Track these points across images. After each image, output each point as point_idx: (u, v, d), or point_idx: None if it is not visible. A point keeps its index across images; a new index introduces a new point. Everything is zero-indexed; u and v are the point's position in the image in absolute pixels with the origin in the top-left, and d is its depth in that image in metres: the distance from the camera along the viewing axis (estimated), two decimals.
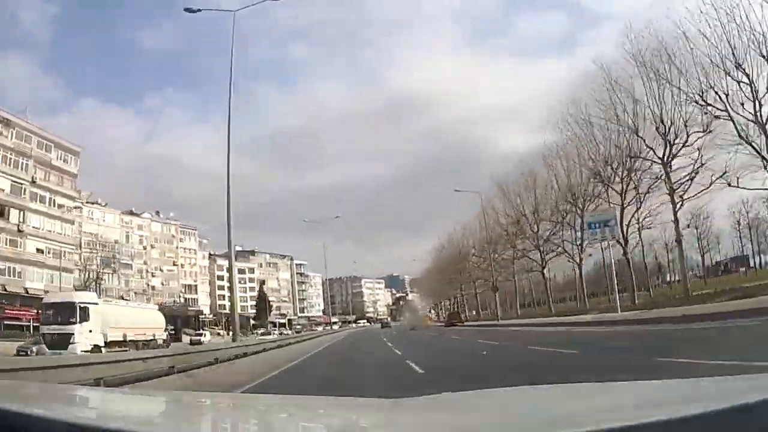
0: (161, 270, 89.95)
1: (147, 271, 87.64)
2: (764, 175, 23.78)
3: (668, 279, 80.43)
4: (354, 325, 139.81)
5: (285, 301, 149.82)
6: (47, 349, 28.71)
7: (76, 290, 48.68)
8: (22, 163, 56.85)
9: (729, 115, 23.69)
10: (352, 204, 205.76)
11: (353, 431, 1.97)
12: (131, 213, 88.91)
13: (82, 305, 31.73)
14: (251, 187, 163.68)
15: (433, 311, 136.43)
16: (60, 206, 62.32)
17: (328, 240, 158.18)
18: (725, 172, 25.06)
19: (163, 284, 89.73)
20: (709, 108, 24.50)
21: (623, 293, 34.88)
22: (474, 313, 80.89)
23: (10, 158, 55.47)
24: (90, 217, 76.07)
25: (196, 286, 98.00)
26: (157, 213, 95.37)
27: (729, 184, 25.33)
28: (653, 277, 72.60)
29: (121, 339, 34.20)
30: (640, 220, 33.38)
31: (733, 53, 22.92)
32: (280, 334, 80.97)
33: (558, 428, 1.51)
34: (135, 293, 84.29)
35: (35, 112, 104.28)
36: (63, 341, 29.14)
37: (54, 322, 31.39)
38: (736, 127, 23.49)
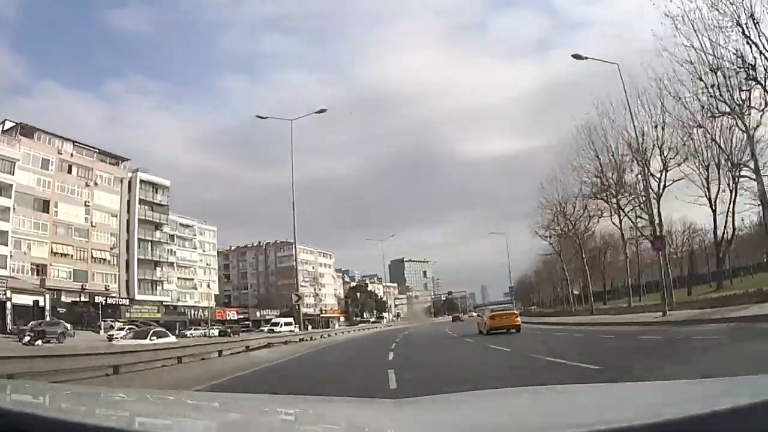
0: None
1: None
2: None
3: None
4: (267, 330, 54.89)
5: (101, 261, 63.55)
6: None
7: None
8: None
9: None
10: (316, 200, 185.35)
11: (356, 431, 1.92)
12: None
13: None
14: (213, 178, 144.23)
15: None
16: None
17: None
18: None
19: None
20: None
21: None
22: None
23: None
24: None
25: None
26: None
27: None
28: None
29: None
30: None
31: None
32: None
33: (559, 428, 1.53)
34: None
35: None
36: None
37: None
38: None
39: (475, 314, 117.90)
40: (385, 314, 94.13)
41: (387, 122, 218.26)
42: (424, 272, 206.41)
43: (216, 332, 57.81)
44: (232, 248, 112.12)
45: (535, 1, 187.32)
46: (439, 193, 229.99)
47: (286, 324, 60.60)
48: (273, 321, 62.08)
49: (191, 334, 55.65)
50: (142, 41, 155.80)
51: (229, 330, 56.81)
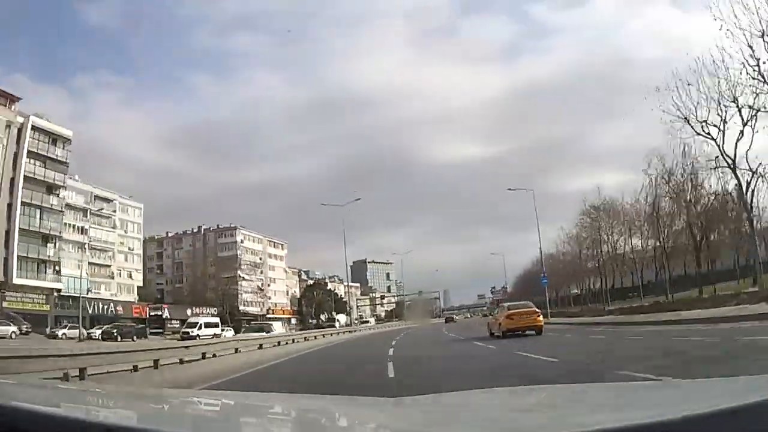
0: None
1: None
2: None
3: None
4: (181, 335, 38.42)
5: None
6: None
7: None
8: None
9: None
10: (277, 201, 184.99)
11: (356, 430, 1.92)
12: None
13: None
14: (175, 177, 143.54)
15: None
16: None
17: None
18: None
19: None
20: None
21: None
22: None
23: None
24: None
25: None
26: None
27: None
28: None
29: None
30: None
31: None
32: None
33: (559, 428, 1.52)
34: None
35: None
36: None
37: None
38: None
39: (457, 316, 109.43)
40: (341, 316, 78.65)
41: (355, 124, 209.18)
42: (387, 274, 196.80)
43: (98, 333, 42.00)
44: (169, 234, 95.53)
45: (506, 6, 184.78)
46: (405, 196, 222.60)
47: (209, 326, 45.15)
48: (190, 321, 46.64)
49: (64, 334, 40.10)
50: (113, 35, 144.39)
51: (116, 332, 41.09)
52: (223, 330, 47.73)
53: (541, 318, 22.42)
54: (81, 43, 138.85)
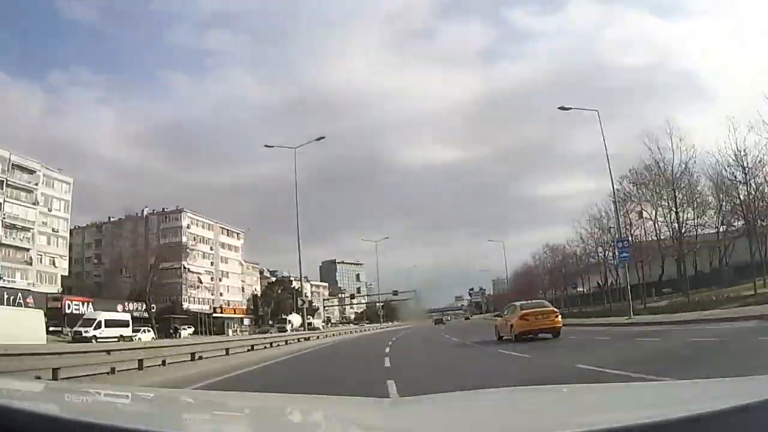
0: None
1: None
2: None
3: None
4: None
5: None
6: None
7: None
8: None
9: None
10: (247, 202, 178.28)
11: (354, 430, 1.90)
12: None
13: None
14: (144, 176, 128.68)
15: None
16: None
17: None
18: None
19: None
20: None
21: None
22: None
23: None
24: None
25: None
26: None
27: None
28: None
29: None
30: None
31: None
32: None
33: (558, 428, 1.52)
34: None
35: None
36: None
37: None
38: None
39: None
40: (295, 317, 67.44)
41: (328, 126, 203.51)
42: (357, 275, 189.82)
43: None
44: (111, 219, 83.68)
45: (484, 11, 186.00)
46: (376, 199, 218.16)
47: (113, 324, 34.22)
48: (86, 317, 36.35)
49: None
50: (90, 31, 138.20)
51: None
52: (140, 331, 37.36)
53: (559, 318, 20.65)
54: (58, 39, 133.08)
